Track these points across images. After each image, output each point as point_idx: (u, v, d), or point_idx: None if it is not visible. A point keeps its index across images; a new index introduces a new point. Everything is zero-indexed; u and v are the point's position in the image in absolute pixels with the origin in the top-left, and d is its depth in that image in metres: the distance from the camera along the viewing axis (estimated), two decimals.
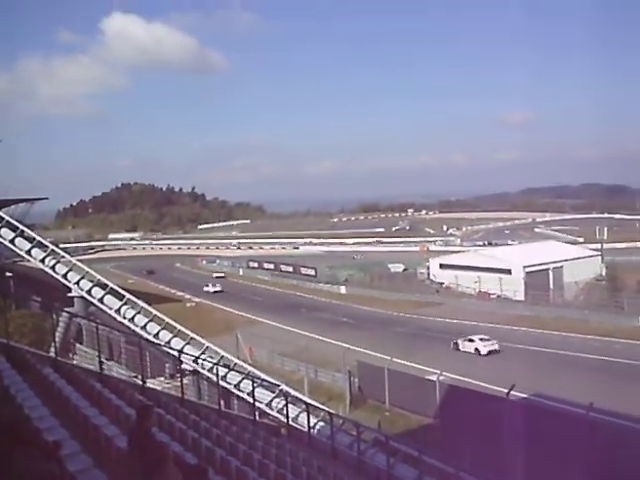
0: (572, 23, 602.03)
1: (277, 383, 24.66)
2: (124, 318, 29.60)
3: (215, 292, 74.23)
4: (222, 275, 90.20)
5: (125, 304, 30.10)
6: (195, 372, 26.08)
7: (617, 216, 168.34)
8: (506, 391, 21.21)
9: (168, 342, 27.59)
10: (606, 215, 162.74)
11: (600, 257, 74.25)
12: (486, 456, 18.19)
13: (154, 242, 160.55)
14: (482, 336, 41.15)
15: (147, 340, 26.02)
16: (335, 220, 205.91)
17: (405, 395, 27.12)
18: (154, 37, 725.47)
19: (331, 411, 21.11)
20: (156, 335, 28.43)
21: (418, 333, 45.91)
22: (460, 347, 40.46)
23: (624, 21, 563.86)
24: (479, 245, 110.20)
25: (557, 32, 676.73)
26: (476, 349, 39.72)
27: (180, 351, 22.50)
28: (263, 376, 25.41)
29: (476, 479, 14.34)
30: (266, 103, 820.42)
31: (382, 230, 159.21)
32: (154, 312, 29.74)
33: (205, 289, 74.99)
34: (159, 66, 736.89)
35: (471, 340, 40.56)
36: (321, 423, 20.24)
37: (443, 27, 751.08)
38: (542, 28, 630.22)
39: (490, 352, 39.39)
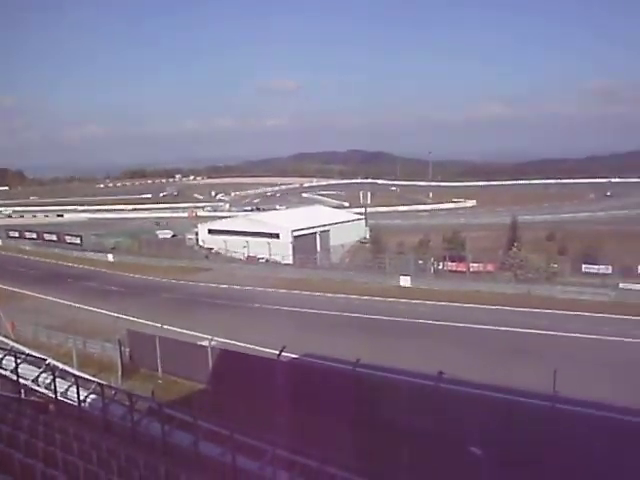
0: None
1: (43, 357, 23.22)
2: None
3: None
4: None
5: None
6: None
7: (380, 181, 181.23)
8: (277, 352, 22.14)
9: None
10: (369, 180, 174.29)
11: (364, 221, 79.78)
12: (259, 416, 18.80)
13: None
14: None
15: None
16: (101, 186, 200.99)
17: (178, 362, 26.97)
18: None
19: (102, 382, 20.44)
20: None
21: (187, 299, 45.82)
22: None
23: None
24: (247, 210, 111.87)
25: None
26: None
27: None
28: (28, 351, 23.83)
29: (248, 438, 14.76)
30: (21, 59, 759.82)
31: (149, 196, 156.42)
32: None
33: None
34: None
35: None
36: (93, 396, 19.54)
37: None
38: None
39: None
